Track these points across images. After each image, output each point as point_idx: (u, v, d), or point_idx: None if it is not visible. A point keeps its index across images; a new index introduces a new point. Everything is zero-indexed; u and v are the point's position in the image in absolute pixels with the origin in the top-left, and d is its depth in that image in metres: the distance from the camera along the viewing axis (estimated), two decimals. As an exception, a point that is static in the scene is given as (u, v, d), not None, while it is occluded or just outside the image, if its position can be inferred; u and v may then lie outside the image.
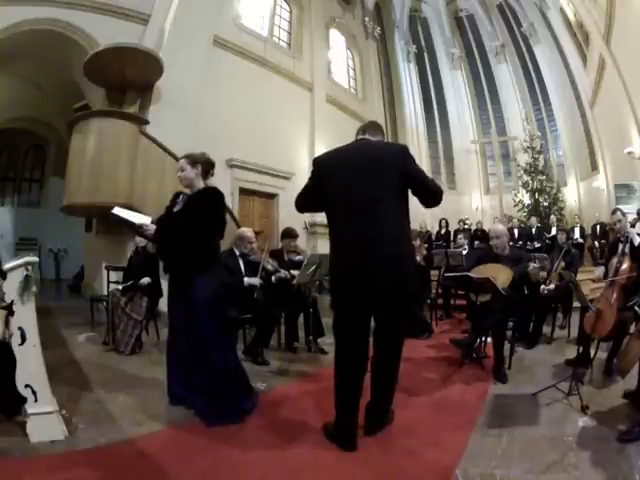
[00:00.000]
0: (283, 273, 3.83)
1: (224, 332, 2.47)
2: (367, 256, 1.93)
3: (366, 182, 1.98)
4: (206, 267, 2.36)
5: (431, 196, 2.07)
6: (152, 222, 2.38)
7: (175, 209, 2.44)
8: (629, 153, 8.89)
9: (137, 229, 2.35)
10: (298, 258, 4.12)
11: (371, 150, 2.08)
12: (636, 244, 2.80)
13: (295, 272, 3.85)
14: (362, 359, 2.05)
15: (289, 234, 4.20)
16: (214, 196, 2.37)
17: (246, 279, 3.50)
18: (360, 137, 2.20)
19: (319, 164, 2.17)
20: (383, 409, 2.16)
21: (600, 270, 3.17)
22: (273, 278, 3.80)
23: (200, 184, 2.43)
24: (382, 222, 1.94)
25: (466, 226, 9.26)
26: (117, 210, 2.33)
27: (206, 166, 2.45)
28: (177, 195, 2.53)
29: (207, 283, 2.33)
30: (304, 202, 2.25)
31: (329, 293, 2.14)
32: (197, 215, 2.30)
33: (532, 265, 3.31)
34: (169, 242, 2.34)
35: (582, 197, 12.10)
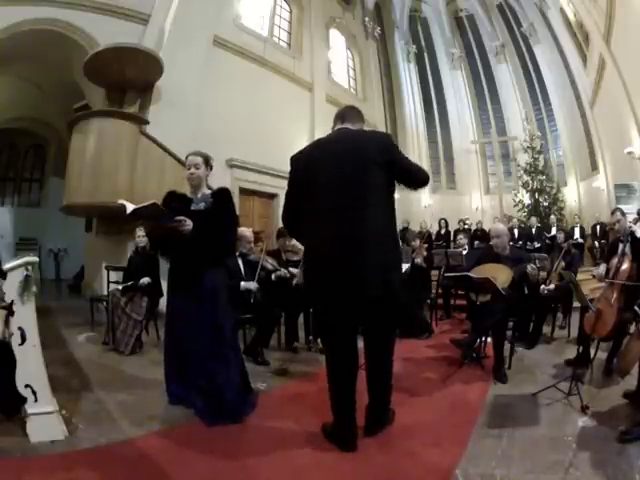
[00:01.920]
0: (282, 272, 3.83)
1: (232, 330, 2.49)
2: (352, 250, 1.86)
3: (350, 175, 1.89)
4: (220, 265, 2.40)
5: (417, 183, 2.09)
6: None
7: (195, 208, 2.38)
8: (629, 153, 8.88)
9: (173, 222, 2.21)
10: (296, 258, 4.13)
11: (355, 140, 1.98)
12: (638, 236, 2.76)
13: (293, 270, 3.86)
14: (352, 358, 2.03)
15: (284, 233, 4.19)
16: (231, 195, 2.43)
17: (243, 283, 3.46)
18: (340, 126, 2.08)
19: (298, 160, 2.07)
20: (382, 409, 2.14)
21: (602, 268, 3.15)
22: (273, 276, 3.80)
23: (205, 185, 2.46)
24: (367, 216, 1.87)
25: (466, 226, 9.26)
26: (130, 205, 2.21)
27: (211, 169, 2.50)
28: (173, 195, 2.49)
29: (219, 281, 2.36)
30: (293, 214, 2.13)
31: (307, 289, 2.07)
32: (230, 213, 2.36)
33: (530, 266, 3.30)
34: (201, 239, 2.26)
35: (582, 197, 12.08)
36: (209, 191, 2.45)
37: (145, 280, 3.90)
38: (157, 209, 2.21)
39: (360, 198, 1.89)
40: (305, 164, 2.02)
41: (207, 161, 2.44)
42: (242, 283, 3.46)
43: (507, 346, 3.21)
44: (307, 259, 2.06)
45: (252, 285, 3.48)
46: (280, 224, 5.14)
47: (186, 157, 2.50)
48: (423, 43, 14.59)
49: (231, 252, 2.50)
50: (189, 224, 2.23)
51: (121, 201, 2.20)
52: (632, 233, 2.78)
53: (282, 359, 3.58)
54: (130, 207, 2.16)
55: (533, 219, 9.51)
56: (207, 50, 7.29)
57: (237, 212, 2.56)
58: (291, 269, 3.91)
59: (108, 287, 4.47)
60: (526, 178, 12.03)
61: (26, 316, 1.98)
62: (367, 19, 12.93)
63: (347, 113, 2.11)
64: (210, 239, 2.26)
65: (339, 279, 1.88)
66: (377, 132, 2.18)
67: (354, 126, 2.07)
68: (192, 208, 2.38)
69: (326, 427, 2.10)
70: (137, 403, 2.54)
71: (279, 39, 9.78)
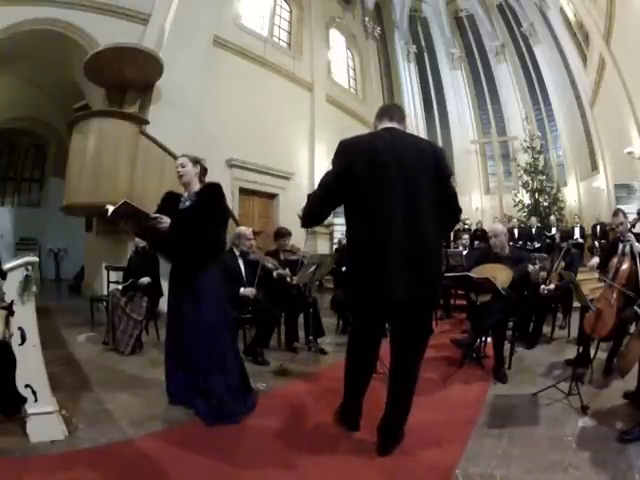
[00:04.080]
0: (284, 271, 3.83)
1: (230, 330, 2.50)
2: (414, 255, 1.80)
3: (412, 182, 1.83)
4: (215, 263, 2.39)
5: (456, 212, 2.02)
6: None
7: (182, 207, 2.40)
8: (629, 153, 8.89)
9: (150, 220, 2.24)
10: (294, 257, 4.12)
11: (418, 148, 1.92)
12: (637, 252, 2.77)
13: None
14: (376, 355, 2.09)
15: (282, 233, 4.19)
16: (221, 190, 2.42)
17: (241, 290, 3.45)
18: (388, 125, 1.98)
19: (349, 149, 1.89)
20: (400, 423, 1.97)
21: (595, 259, 3.18)
22: (274, 274, 3.80)
23: (197, 184, 2.47)
24: (425, 231, 1.84)
25: (466, 226, 9.26)
26: (112, 208, 2.21)
27: (203, 170, 2.52)
28: (169, 195, 2.51)
29: (214, 281, 2.36)
30: (325, 203, 1.92)
31: (348, 291, 2.01)
32: (212, 209, 2.34)
33: (531, 266, 3.29)
34: (183, 237, 2.26)
35: (582, 197, 12.10)
36: (198, 188, 2.46)
37: (145, 280, 3.90)
38: (130, 207, 2.21)
39: (422, 209, 1.84)
40: (369, 155, 1.85)
41: (195, 161, 2.47)
42: (241, 290, 3.44)
43: (507, 346, 3.21)
44: (357, 258, 1.89)
45: (249, 291, 3.46)
46: (284, 224, 5.15)
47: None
48: (423, 43, 14.61)
49: (220, 249, 2.49)
50: (165, 221, 2.24)
51: (107, 206, 2.21)
52: (631, 247, 2.78)
53: (282, 359, 3.57)
54: (111, 210, 2.18)
55: (533, 219, 9.50)
56: (207, 50, 7.29)
57: (229, 208, 2.55)
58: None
59: (108, 287, 4.47)
60: (526, 178, 12.04)
61: (26, 316, 1.98)
62: (367, 19, 12.95)
63: (394, 111, 2.03)
64: (190, 237, 2.26)
65: (395, 281, 1.79)
66: (436, 145, 2.13)
67: (400, 126, 2.00)
68: (179, 207, 2.41)
69: (337, 412, 2.18)
70: (137, 403, 2.54)
71: (279, 39, 9.78)
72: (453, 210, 2.00)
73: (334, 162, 1.90)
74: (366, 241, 1.84)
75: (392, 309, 1.88)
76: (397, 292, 1.78)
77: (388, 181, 1.82)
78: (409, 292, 1.79)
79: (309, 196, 1.97)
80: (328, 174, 1.91)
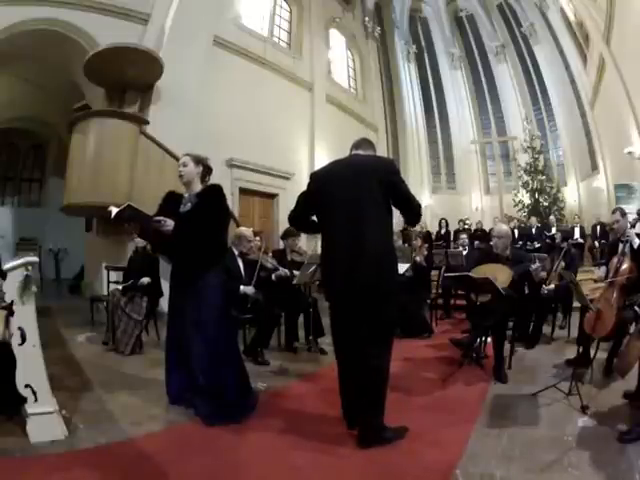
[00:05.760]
0: (282, 271, 3.83)
1: (231, 331, 2.51)
2: (352, 260, 2.08)
3: (353, 193, 2.13)
4: (217, 264, 2.40)
5: (412, 210, 2.26)
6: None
7: (182, 209, 2.39)
8: (629, 153, 8.88)
9: (154, 222, 2.24)
10: (300, 259, 4.12)
11: (360, 164, 2.24)
12: (635, 247, 2.78)
13: (297, 272, 3.85)
14: (353, 351, 2.14)
15: (292, 233, 4.19)
16: (222, 192, 2.42)
17: (242, 287, 3.46)
18: (354, 152, 2.34)
19: (314, 178, 2.34)
20: (366, 419, 2.03)
21: (602, 270, 3.17)
22: (273, 276, 3.80)
23: (198, 184, 2.46)
24: (366, 230, 2.09)
25: (466, 226, 9.26)
26: (115, 209, 2.24)
27: (206, 170, 2.50)
28: (171, 195, 2.51)
29: (214, 282, 2.36)
30: (296, 216, 2.37)
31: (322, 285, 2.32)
32: (213, 212, 2.34)
33: (533, 265, 3.29)
34: (185, 241, 2.27)
35: (582, 197, 12.07)
36: (199, 189, 2.45)
37: (145, 280, 3.90)
38: (133, 210, 2.23)
39: (364, 212, 2.12)
40: (323, 180, 2.28)
41: (197, 160, 2.45)
42: (242, 287, 3.45)
43: (507, 346, 3.21)
44: (322, 262, 2.36)
45: (249, 290, 3.47)
46: (284, 224, 5.17)
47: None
48: (423, 43, 14.60)
49: (222, 250, 2.49)
50: (169, 224, 2.25)
51: (110, 208, 2.22)
52: (631, 244, 2.78)
53: (282, 359, 3.58)
54: (114, 212, 2.19)
55: (533, 219, 9.51)
56: (207, 50, 7.27)
57: (230, 210, 2.56)
58: (294, 271, 3.91)
59: (108, 287, 4.47)
60: (526, 178, 12.04)
61: (26, 316, 1.98)
62: (367, 19, 12.93)
63: (361, 143, 2.38)
64: (191, 240, 2.26)
65: (342, 278, 2.12)
66: (383, 158, 2.53)
67: (365, 152, 2.32)
68: (180, 209, 2.40)
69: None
70: (137, 403, 2.54)
71: (279, 39, 9.77)
72: (409, 209, 2.26)
73: (307, 185, 2.33)
74: (325, 246, 2.26)
75: (344, 300, 2.15)
76: (341, 284, 2.11)
77: (337, 195, 2.17)
78: (351, 283, 2.07)
79: (290, 214, 2.38)
80: (300, 197, 2.34)
